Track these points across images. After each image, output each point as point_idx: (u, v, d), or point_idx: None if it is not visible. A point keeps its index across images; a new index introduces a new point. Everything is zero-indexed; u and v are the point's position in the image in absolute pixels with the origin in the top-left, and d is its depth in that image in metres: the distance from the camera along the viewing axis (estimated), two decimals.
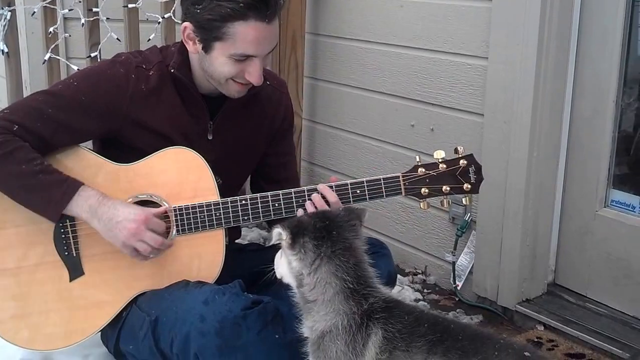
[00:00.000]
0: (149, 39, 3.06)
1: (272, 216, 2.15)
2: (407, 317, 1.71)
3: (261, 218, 2.15)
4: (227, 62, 2.06)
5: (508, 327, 2.76)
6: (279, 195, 2.14)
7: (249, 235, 3.55)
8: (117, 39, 3.09)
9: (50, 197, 2.01)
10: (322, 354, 1.75)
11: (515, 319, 2.79)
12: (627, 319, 2.58)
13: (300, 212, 2.14)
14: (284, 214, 2.15)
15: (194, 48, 2.10)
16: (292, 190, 2.15)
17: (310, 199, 2.12)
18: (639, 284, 2.55)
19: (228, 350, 1.94)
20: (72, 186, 2.02)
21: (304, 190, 2.15)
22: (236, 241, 2.48)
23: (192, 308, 1.98)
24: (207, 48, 2.07)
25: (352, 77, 3.35)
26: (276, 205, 2.14)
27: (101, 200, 2.02)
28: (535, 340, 2.57)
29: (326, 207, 2.10)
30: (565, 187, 2.72)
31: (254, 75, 2.08)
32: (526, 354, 1.65)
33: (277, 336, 1.98)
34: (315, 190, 2.15)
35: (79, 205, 2.01)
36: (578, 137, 2.66)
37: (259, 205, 2.14)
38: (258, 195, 2.15)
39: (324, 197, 2.12)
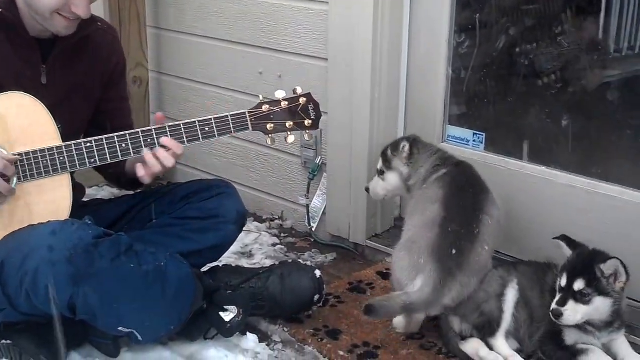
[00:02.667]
0: None
1: (120, 157, 2.13)
2: (461, 177, 2.35)
3: (108, 159, 2.12)
4: None
5: (360, 262, 2.91)
6: (125, 135, 2.12)
7: (100, 193, 3.46)
8: None
9: None
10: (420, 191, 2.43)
11: (366, 254, 2.94)
12: None
13: (146, 152, 2.12)
14: (132, 154, 2.13)
15: None
16: (139, 130, 2.14)
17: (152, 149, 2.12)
18: None
19: (81, 278, 1.93)
20: None
21: (152, 130, 2.14)
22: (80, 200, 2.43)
23: (40, 241, 1.94)
24: None
25: (196, 26, 3.30)
26: (123, 145, 2.12)
27: None
28: (385, 271, 2.72)
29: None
30: (407, 126, 2.86)
31: (80, 6, 2.05)
32: None
33: (132, 266, 1.99)
34: (163, 128, 2.14)
35: None
36: (416, 77, 2.79)
37: (105, 146, 2.11)
38: (103, 137, 2.12)
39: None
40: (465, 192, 2.29)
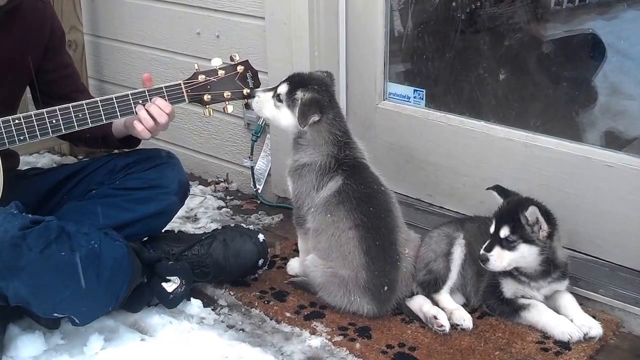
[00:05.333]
0: None
1: (51, 133, 2.08)
2: (363, 187, 2.22)
3: (39, 137, 2.07)
4: None
5: None
6: (55, 111, 2.07)
7: (41, 161, 3.38)
8: None
9: None
10: (297, 177, 2.29)
11: None
12: (411, 202, 2.79)
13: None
14: (63, 130, 2.09)
15: None
16: (70, 105, 2.09)
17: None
18: (419, 168, 2.76)
19: (9, 272, 1.89)
20: None
21: (83, 104, 2.10)
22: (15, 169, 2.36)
23: None
24: None
25: None
26: (54, 121, 2.07)
27: None
28: None
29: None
30: (348, 84, 2.84)
31: None
32: None
33: (63, 254, 1.94)
34: (95, 103, 2.09)
35: None
36: (354, 34, 2.76)
37: (35, 122, 2.06)
38: (32, 113, 2.06)
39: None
40: (378, 229, 2.21)
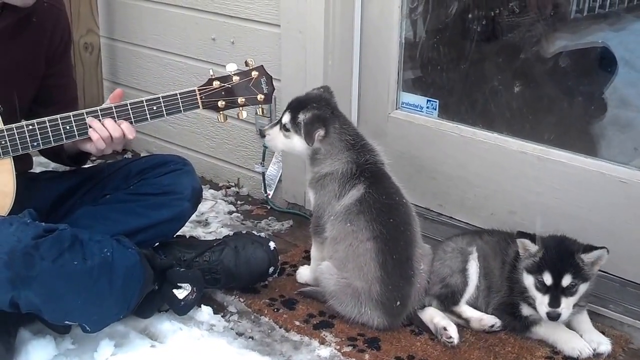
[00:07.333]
0: None
1: (65, 139, 2.08)
2: (385, 197, 2.21)
3: (52, 142, 2.07)
4: None
5: None
6: (69, 117, 2.07)
7: (52, 164, 3.38)
8: None
9: None
10: (319, 187, 2.29)
11: None
12: (420, 211, 2.76)
13: (94, 134, 2.09)
14: (77, 136, 2.09)
15: None
16: (84, 110, 2.08)
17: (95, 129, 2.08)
18: (430, 178, 2.76)
19: (21, 281, 1.89)
20: None
21: (97, 110, 2.09)
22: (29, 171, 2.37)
23: None
24: None
25: None
26: (67, 127, 2.07)
27: None
28: None
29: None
30: (360, 92, 2.84)
31: None
32: None
33: (75, 263, 1.94)
34: (109, 109, 2.09)
35: None
36: (369, 43, 2.76)
37: (49, 128, 2.05)
38: (46, 119, 2.06)
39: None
40: (397, 243, 2.21)
